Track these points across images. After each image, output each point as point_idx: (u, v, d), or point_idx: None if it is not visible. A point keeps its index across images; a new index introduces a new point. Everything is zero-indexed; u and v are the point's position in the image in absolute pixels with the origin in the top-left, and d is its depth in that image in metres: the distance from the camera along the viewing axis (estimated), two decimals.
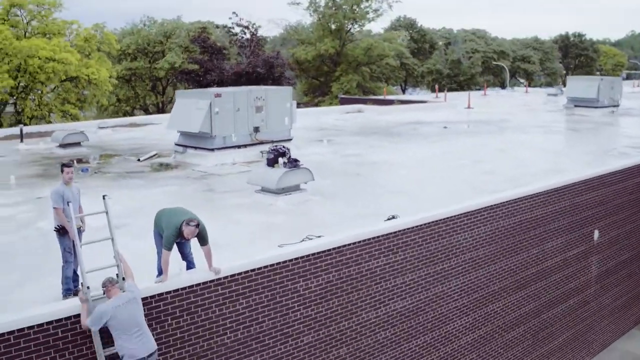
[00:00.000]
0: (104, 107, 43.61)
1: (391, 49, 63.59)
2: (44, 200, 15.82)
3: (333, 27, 61.80)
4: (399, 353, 13.76)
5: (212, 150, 22.77)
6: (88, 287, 9.38)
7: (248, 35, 52.88)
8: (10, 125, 34.71)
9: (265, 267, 11.35)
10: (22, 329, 9.03)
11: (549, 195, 16.91)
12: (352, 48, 61.40)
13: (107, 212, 10.08)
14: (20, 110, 36.17)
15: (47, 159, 23.33)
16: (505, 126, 32.91)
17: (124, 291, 9.34)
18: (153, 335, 9.77)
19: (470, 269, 15.01)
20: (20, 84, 34.97)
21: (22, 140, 26.39)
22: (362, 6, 61.58)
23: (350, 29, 62.63)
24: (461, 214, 14.61)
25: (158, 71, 54.96)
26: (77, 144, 25.72)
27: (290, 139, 25.04)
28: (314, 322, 12.16)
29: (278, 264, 11.53)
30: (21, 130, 26.85)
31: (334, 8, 61.00)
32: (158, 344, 10.12)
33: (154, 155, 23.81)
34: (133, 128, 32.55)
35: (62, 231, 10.88)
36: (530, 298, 16.99)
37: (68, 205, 10.52)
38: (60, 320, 9.34)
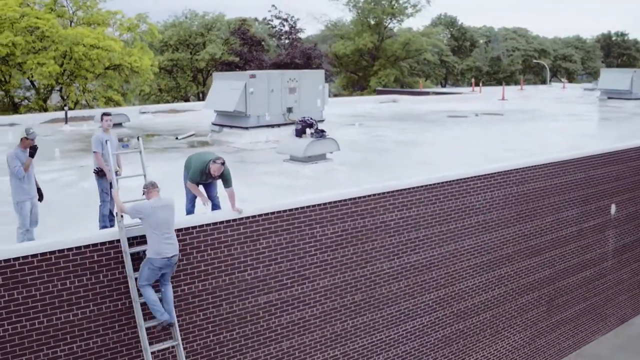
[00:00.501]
0: (146, 95, 45.01)
1: (429, 44, 64.16)
2: (86, 168, 16.95)
3: (372, 22, 62.59)
4: (412, 305, 14.58)
5: (247, 128, 23.71)
6: (122, 216, 10.44)
7: (287, 28, 54.02)
8: (56, 110, 36.24)
9: (285, 211, 12.30)
10: (63, 250, 10.11)
11: (564, 166, 17.55)
12: (390, 43, 62.15)
13: (140, 152, 11.17)
14: (65, 96, 37.70)
15: (89, 137, 24.56)
16: (536, 115, 33.37)
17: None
18: (179, 265, 10.83)
19: (484, 230, 15.75)
20: (66, 71, 36.45)
21: (66, 122, 27.72)
22: (400, 1, 62.31)
23: (389, 24, 63.35)
24: (474, 177, 15.38)
25: (199, 62, 56.44)
26: (119, 124, 26.92)
27: (322, 120, 25.90)
28: (330, 267, 13.05)
29: (296, 209, 12.46)
30: (66, 113, 28.19)
31: (372, 3, 61.84)
32: (183, 276, 11.18)
33: (192, 134, 24.91)
34: (173, 114, 33.75)
35: (100, 173, 11.96)
36: (545, 265, 17.64)
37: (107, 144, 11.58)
38: (96, 244, 10.41)
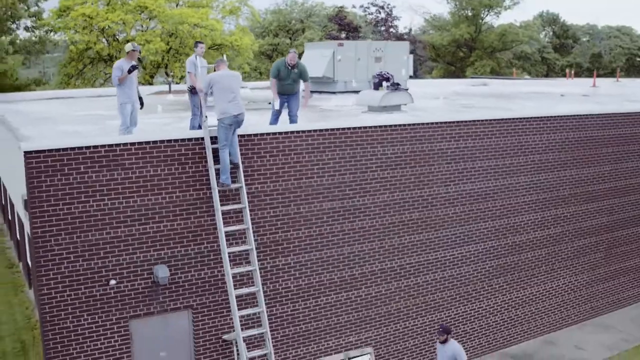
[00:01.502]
0: (246, 74, 47.24)
1: (525, 35, 64.31)
2: (185, 117, 19.00)
3: (469, 13, 63.30)
4: (467, 231, 15.87)
5: (334, 93, 25.36)
6: (206, 116, 12.34)
7: (383, 15, 55.98)
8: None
9: (349, 128, 13.90)
10: (156, 142, 12.05)
11: (621, 118, 18.40)
12: (487, 34, 62.73)
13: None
14: (170, 72, 40.46)
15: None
16: (623, 98, 33.63)
17: None
18: (253, 166, 12.60)
19: (540, 169, 16.87)
20: (171, 49, 39.15)
21: (170, 92, 30.20)
22: None
23: (486, 15, 63.86)
24: (531, 117, 16.56)
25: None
26: None
27: (407, 90, 27.26)
28: (389, 184, 14.55)
29: (359, 128, 14.05)
30: (170, 84, 30.71)
31: None
32: (256, 175, 12.96)
33: None
34: (269, 89, 35.78)
35: (193, 91, 13.91)
36: (603, 212, 18.52)
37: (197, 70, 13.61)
38: (184, 140, 12.31)
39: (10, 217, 24.20)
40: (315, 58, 25.78)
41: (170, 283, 12.36)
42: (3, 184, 24.40)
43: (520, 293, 17.08)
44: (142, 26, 36.82)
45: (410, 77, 26.95)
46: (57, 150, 11.40)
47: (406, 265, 15.00)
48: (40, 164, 11.30)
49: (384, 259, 14.66)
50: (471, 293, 16.17)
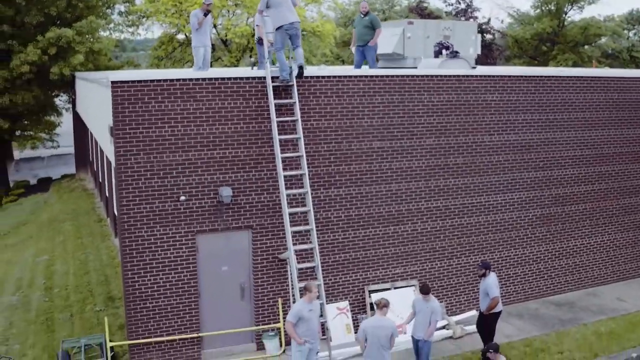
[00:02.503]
0: (328, 60, 48.58)
1: (609, 29, 63.86)
2: None
3: (552, 8, 63.29)
4: (511, 179, 17.01)
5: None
6: (268, 61, 14.04)
7: (463, 6, 57.15)
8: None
9: (398, 76, 15.36)
10: (224, 78, 13.80)
11: None
12: (569, 28, 62.63)
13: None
14: (251, 55, 42.52)
15: None
16: None
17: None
18: (309, 104, 14.20)
19: (584, 127, 17.86)
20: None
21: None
22: None
23: (569, 10, 63.69)
24: (574, 77, 17.63)
25: None
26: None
27: (474, 68, 28.38)
28: (435, 130, 15.89)
29: (407, 76, 15.48)
30: (253, 63, 32.55)
31: None
32: (312, 113, 14.55)
33: None
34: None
35: (260, 42, 15.64)
36: None
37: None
38: (249, 78, 14.03)
39: (100, 180, 26.51)
40: (386, 35, 27.19)
41: (233, 204, 14.02)
42: (99, 147, 26.73)
43: (564, 244, 18.04)
44: (228, 12, 39.12)
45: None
46: (139, 81, 13.27)
47: (451, 206, 16.26)
48: (125, 93, 13.18)
49: (429, 198, 15.97)
50: (514, 239, 17.26)
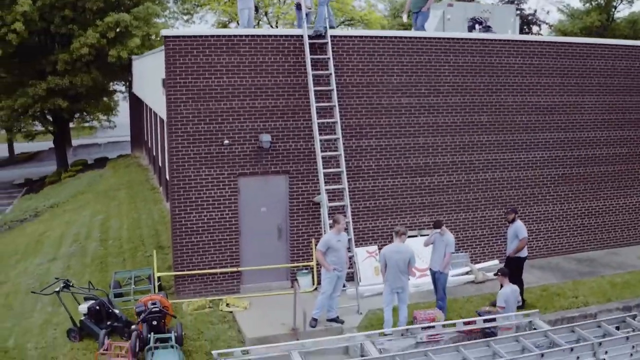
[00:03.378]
0: None
1: None
2: None
3: (602, 2, 63.42)
4: (533, 138, 18.07)
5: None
6: (307, 15, 15.43)
7: None
8: None
9: (425, 38, 16.62)
10: (265, 35, 15.26)
11: None
12: (618, 22, 62.68)
13: None
14: None
15: None
16: None
17: None
18: (343, 62, 15.54)
19: (605, 92, 18.81)
20: None
21: None
22: None
23: (619, 4, 63.71)
24: (595, 44, 18.62)
25: None
26: None
27: None
28: (460, 89, 17.08)
29: (434, 38, 16.73)
30: None
31: None
32: (345, 69, 15.87)
33: None
34: None
35: (298, 7, 17.02)
36: None
37: None
38: (287, 35, 15.45)
39: (154, 154, 28.27)
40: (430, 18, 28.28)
41: (272, 150, 15.44)
42: (152, 120, 28.50)
43: (587, 204, 19.01)
44: (279, 0, 40.83)
45: None
46: (190, 37, 14.80)
47: (475, 162, 17.41)
48: (176, 47, 14.73)
49: (455, 152, 17.15)
50: (537, 196, 18.31)
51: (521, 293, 14.40)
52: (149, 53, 25.12)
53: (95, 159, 42.02)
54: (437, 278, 14.30)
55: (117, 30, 33.59)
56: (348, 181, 15.75)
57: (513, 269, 14.67)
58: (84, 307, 13.59)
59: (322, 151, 15.28)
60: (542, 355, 7.21)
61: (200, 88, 14.91)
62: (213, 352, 9.61)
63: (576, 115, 18.51)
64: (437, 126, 16.90)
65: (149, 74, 24.36)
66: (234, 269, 15.54)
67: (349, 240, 14.81)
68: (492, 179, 17.65)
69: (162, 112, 18.90)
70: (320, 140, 15.30)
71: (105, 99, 40.21)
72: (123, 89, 42.45)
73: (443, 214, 17.21)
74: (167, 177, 16.25)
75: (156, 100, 20.53)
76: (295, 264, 15.93)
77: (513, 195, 17.95)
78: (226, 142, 15.07)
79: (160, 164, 25.67)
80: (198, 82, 14.88)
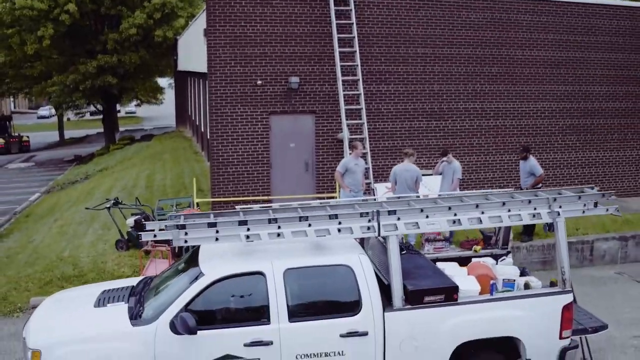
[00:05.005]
0: None
1: None
2: None
3: None
4: (542, 90, 19.66)
5: None
6: None
7: None
8: None
9: None
10: None
11: None
12: None
13: None
14: None
15: None
16: None
17: None
18: (365, 10, 17.35)
19: (610, 49, 20.33)
20: None
21: None
22: None
23: None
24: (600, 4, 20.15)
25: None
26: None
27: None
28: (472, 41, 18.79)
29: None
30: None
31: None
32: (366, 21, 17.64)
33: None
34: None
35: None
36: None
37: None
38: None
39: (197, 123, 30.45)
40: None
41: (300, 91, 17.34)
42: (195, 89, 30.68)
43: (593, 154, 20.52)
44: None
45: None
46: None
47: (487, 109, 19.09)
48: None
49: (467, 100, 18.86)
50: (545, 144, 19.89)
51: (531, 225, 15.85)
52: (194, 20, 27.42)
53: (142, 136, 44.48)
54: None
55: (164, 11, 35.81)
56: (368, 122, 17.53)
57: None
58: (131, 221, 15.60)
59: (343, 91, 17.09)
60: (504, 203, 8.92)
61: (237, 35, 16.87)
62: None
63: (582, 70, 20.05)
64: (451, 75, 18.61)
65: (193, 38, 26.48)
66: (265, 198, 17.42)
67: (367, 169, 16.58)
68: (503, 126, 19.28)
69: (203, 66, 20.91)
70: (343, 82, 17.11)
71: (151, 80, 42.55)
72: (166, 83, 44.67)
73: (456, 156, 18.80)
74: (207, 115, 18.19)
75: (199, 58, 22.54)
76: (321, 195, 17.76)
77: (522, 142, 19.51)
78: (259, 82, 16.98)
79: (202, 130, 27.76)
80: (235, 30, 16.85)
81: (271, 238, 8.15)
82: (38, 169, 39.03)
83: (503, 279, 9.25)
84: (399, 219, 8.50)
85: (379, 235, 8.45)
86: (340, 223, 8.37)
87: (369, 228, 8.41)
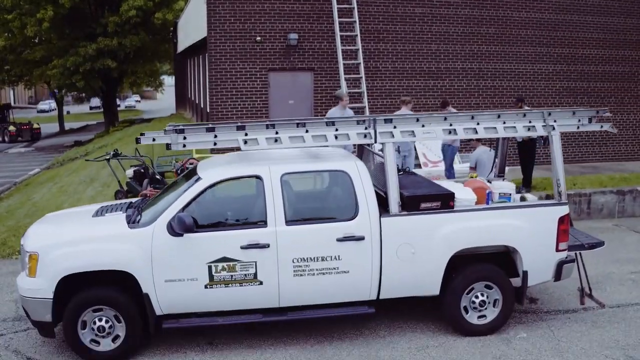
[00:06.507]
0: None
1: None
2: None
3: None
4: (539, 52, 19.79)
5: None
6: None
7: None
8: None
9: None
10: None
11: None
12: None
13: None
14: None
15: None
16: None
17: None
18: None
19: (604, 13, 20.43)
20: None
21: None
22: None
23: None
24: None
25: None
26: None
27: None
28: (469, 2, 18.88)
29: None
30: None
31: None
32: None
33: None
34: None
35: None
36: None
37: None
38: None
39: (196, 103, 30.57)
40: None
41: (299, 48, 17.45)
42: (194, 71, 30.72)
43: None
44: None
45: None
46: None
47: (484, 69, 19.20)
48: None
49: (465, 60, 18.97)
50: (542, 106, 19.97)
51: (530, 176, 15.89)
52: None
53: (142, 119, 44.58)
54: (445, 150, 16.09)
55: None
56: (366, 80, 17.62)
57: (525, 152, 16.06)
58: (130, 172, 15.69)
59: (342, 46, 17.20)
60: (499, 116, 9.00)
61: None
62: None
63: (579, 33, 20.17)
64: (448, 35, 18.73)
65: (192, 8, 26.54)
66: None
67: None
68: (500, 87, 19.41)
69: (203, 32, 21.00)
70: (341, 37, 17.22)
71: (151, 64, 42.66)
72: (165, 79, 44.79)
73: None
74: (208, 66, 18.28)
75: (198, 26, 22.63)
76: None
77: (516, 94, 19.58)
78: (258, 39, 17.09)
79: (202, 106, 27.80)
80: None
81: (269, 143, 8.20)
82: (38, 152, 39.14)
83: (499, 192, 9.31)
84: (395, 127, 8.55)
85: (375, 142, 8.50)
86: (337, 130, 8.41)
87: (365, 136, 8.46)
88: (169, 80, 53.94)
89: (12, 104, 78.80)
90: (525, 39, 19.48)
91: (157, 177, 15.51)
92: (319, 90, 17.81)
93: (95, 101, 73.94)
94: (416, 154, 15.18)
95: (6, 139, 45.52)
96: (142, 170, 15.53)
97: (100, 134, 40.47)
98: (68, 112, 62.45)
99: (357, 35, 17.38)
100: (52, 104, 71.13)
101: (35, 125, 48.29)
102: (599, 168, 20.08)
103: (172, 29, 37.99)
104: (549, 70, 19.86)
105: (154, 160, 17.76)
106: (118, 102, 59.69)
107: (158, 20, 36.22)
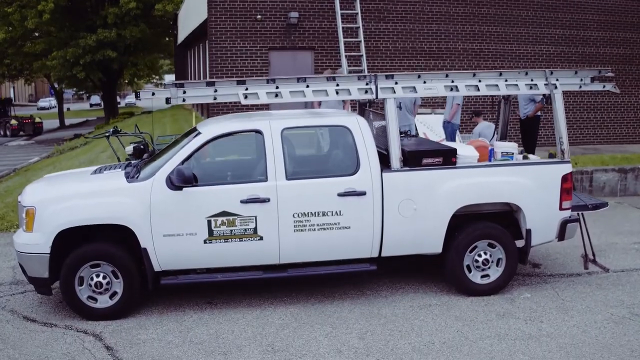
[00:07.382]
0: None
1: None
2: None
3: None
4: (539, 33, 19.66)
5: None
6: None
7: None
8: None
9: None
10: None
11: None
12: None
13: None
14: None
15: None
16: None
17: None
18: None
19: None
20: None
21: None
22: None
23: None
24: None
25: None
26: None
27: None
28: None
29: None
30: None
31: None
32: None
33: None
34: None
35: None
36: None
37: None
38: None
39: None
40: None
41: (299, 27, 17.35)
42: (194, 60, 30.59)
43: (592, 99, 20.52)
44: None
45: None
46: None
47: (485, 50, 19.10)
48: None
49: (465, 40, 18.87)
50: None
51: (533, 151, 15.76)
52: None
53: (142, 112, 44.54)
54: (446, 127, 16.00)
55: None
56: (367, 60, 17.52)
57: (528, 128, 15.94)
58: (129, 148, 15.54)
59: (342, 24, 17.11)
60: (501, 73, 8.91)
61: None
62: None
63: (579, 15, 20.07)
64: (449, 15, 18.63)
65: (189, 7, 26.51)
66: None
67: None
68: (501, 67, 19.29)
69: (203, 15, 20.92)
70: (341, 15, 17.13)
71: (151, 55, 42.63)
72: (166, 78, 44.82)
73: None
74: (208, 45, 18.17)
75: (199, 10, 22.55)
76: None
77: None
78: (259, 17, 17.00)
79: None
80: None
81: (269, 98, 8.10)
82: (38, 144, 39.08)
83: (502, 152, 9.23)
84: (396, 83, 8.46)
85: (376, 97, 8.41)
86: (338, 85, 8.32)
87: (366, 91, 8.36)
88: (169, 79, 53.79)
89: (13, 101, 78.98)
90: (527, 20, 19.38)
91: (157, 151, 15.37)
92: (320, 70, 17.70)
93: (95, 98, 73.91)
94: (417, 133, 15.06)
95: (8, 133, 45.41)
96: (142, 147, 15.39)
97: (100, 125, 40.40)
98: (68, 109, 62.38)
99: (357, 13, 17.28)
100: (52, 101, 71.05)
101: (38, 120, 48.17)
102: (600, 150, 19.97)
103: (172, 23, 37.83)
104: (550, 51, 19.76)
105: (154, 139, 17.62)
106: (118, 99, 59.68)
107: (158, 11, 36.14)
